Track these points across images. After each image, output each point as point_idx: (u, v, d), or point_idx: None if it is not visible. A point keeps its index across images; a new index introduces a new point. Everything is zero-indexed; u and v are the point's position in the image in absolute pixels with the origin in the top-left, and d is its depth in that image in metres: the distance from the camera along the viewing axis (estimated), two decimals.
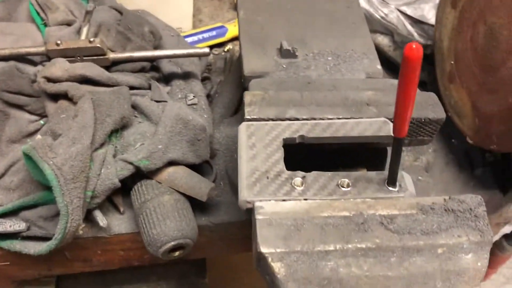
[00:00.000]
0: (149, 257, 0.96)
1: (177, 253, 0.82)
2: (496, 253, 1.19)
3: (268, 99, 0.71)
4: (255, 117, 0.69)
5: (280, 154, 0.65)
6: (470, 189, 1.04)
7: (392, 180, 0.62)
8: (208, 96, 1.06)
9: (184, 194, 0.84)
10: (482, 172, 1.06)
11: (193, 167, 0.88)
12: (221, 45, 1.22)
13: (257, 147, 0.65)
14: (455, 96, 1.00)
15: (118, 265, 0.97)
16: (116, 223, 0.88)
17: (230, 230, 0.93)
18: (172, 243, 0.78)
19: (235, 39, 1.23)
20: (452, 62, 1.01)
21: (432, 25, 1.11)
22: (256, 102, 0.70)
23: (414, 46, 0.47)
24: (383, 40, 1.16)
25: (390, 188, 0.63)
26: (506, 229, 1.33)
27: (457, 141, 1.10)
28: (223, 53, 1.21)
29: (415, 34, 1.09)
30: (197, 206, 0.87)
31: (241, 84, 1.08)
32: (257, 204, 0.59)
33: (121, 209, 0.88)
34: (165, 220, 0.78)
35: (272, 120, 0.69)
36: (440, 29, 1.04)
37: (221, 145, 0.98)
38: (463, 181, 1.06)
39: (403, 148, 1.05)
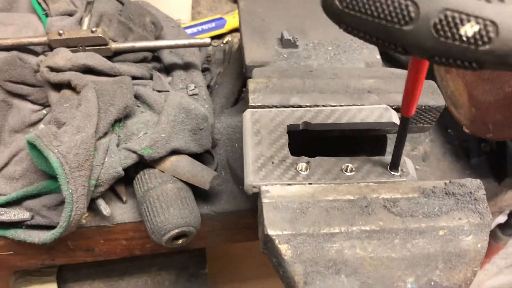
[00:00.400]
0: (151, 246, 0.97)
1: (180, 241, 0.83)
2: (490, 242, 1.21)
3: (271, 87, 0.72)
4: (259, 104, 0.70)
5: (284, 140, 0.66)
6: (466, 177, 1.06)
7: (395, 165, 0.63)
8: (208, 87, 1.07)
9: (187, 182, 0.85)
10: (478, 162, 1.08)
11: (195, 156, 0.89)
12: (220, 36, 1.23)
13: (261, 133, 0.66)
14: (451, 86, 1.02)
15: (120, 255, 0.98)
16: (118, 212, 0.89)
17: (232, 219, 0.95)
18: (176, 230, 0.79)
19: (234, 30, 1.24)
20: None
21: None
22: (260, 89, 0.72)
23: None
24: None
25: (393, 173, 0.64)
26: (500, 219, 1.36)
27: (453, 131, 1.12)
28: (222, 45, 1.22)
29: None
30: (199, 195, 0.88)
31: (241, 75, 1.09)
32: (263, 188, 0.60)
33: (124, 198, 0.89)
34: (169, 208, 0.79)
35: (276, 107, 0.70)
36: None
37: (222, 135, 0.99)
38: (459, 170, 1.07)
39: None
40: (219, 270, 1.44)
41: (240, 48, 0.93)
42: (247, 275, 1.49)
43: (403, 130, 0.59)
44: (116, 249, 0.96)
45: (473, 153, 1.09)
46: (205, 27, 1.20)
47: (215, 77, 1.12)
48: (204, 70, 1.09)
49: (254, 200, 0.65)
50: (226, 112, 1.03)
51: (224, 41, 1.22)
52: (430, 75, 1.08)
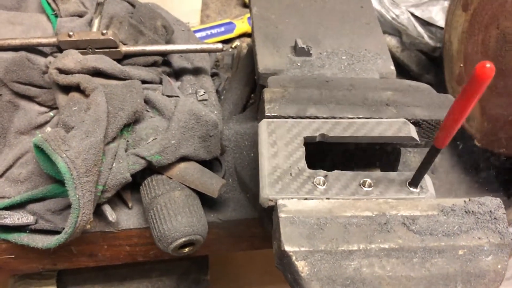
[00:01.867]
0: (155, 253, 0.96)
1: (186, 250, 0.82)
2: None
3: (288, 97, 0.71)
4: (275, 114, 0.68)
5: (301, 152, 0.64)
6: (475, 191, 1.05)
7: (415, 182, 0.62)
8: (217, 92, 1.06)
9: (195, 190, 0.84)
10: (487, 175, 1.07)
11: (203, 163, 0.87)
12: (229, 41, 1.21)
13: (278, 145, 0.65)
14: None
15: (123, 260, 0.96)
16: (124, 218, 0.87)
17: (238, 228, 0.93)
18: (183, 239, 0.78)
19: (243, 35, 1.23)
20: (462, 65, 1.01)
21: (441, 28, 1.11)
22: (276, 99, 0.70)
23: (488, 65, 0.44)
24: (391, 41, 1.17)
25: (412, 189, 0.63)
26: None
27: (463, 144, 1.11)
28: (230, 49, 1.20)
29: (425, 36, 1.10)
30: (205, 202, 0.87)
31: (250, 81, 1.08)
32: (280, 202, 0.59)
33: (130, 204, 0.87)
34: (176, 216, 0.78)
35: (292, 118, 0.68)
36: (449, 32, 1.04)
37: (230, 141, 0.98)
38: (468, 183, 1.06)
39: (410, 150, 1.07)
40: (221, 277, 1.43)
41: (252, 54, 0.91)
42: (249, 282, 1.47)
43: (431, 158, 0.58)
44: (120, 254, 0.94)
45: (483, 167, 1.08)
46: (214, 31, 1.19)
47: (223, 82, 1.11)
48: (213, 75, 1.08)
49: (263, 210, 0.64)
50: (234, 119, 1.02)
51: (233, 46, 1.21)
52: (442, 87, 1.08)
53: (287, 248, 0.55)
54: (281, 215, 0.58)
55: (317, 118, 0.68)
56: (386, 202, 0.60)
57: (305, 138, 0.66)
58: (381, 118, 0.69)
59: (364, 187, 0.62)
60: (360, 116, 0.69)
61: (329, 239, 0.56)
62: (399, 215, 0.59)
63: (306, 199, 0.60)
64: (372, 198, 0.61)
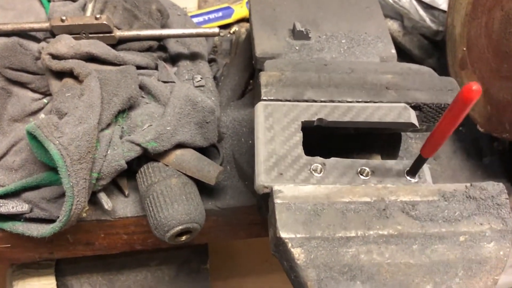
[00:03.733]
0: (153, 241, 0.95)
1: (183, 238, 0.81)
2: None
3: (285, 80, 0.69)
4: (272, 98, 0.67)
5: (298, 137, 0.62)
6: (477, 177, 1.03)
7: (413, 171, 0.61)
8: (214, 78, 1.04)
9: (192, 177, 0.82)
10: (490, 161, 1.05)
11: (200, 150, 0.86)
12: (227, 26, 1.19)
13: (274, 129, 0.63)
14: (466, 83, 0.98)
15: (120, 249, 0.96)
16: (120, 206, 0.86)
17: (236, 215, 0.92)
18: (180, 227, 0.76)
19: (241, 20, 1.20)
20: (464, 49, 0.99)
21: (443, 11, 1.08)
22: (273, 82, 0.68)
23: (475, 87, 0.46)
24: (393, 25, 1.14)
25: (409, 179, 0.61)
26: None
27: (465, 129, 1.09)
28: (228, 35, 1.18)
29: (427, 19, 1.07)
30: (203, 189, 0.86)
31: (248, 67, 1.06)
32: (275, 187, 0.57)
33: (126, 192, 0.86)
34: (173, 204, 0.76)
35: (289, 101, 0.67)
36: (452, 15, 1.02)
37: (228, 128, 0.96)
38: (470, 169, 1.05)
39: (411, 135, 1.05)
40: (220, 265, 1.42)
41: (250, 39, 0.89)
42: (248, 271, 1.47)
43: (419, 164, 0.60)
44: (117, 243, 0.93)
45: (485, 152, 1.06)
46: (211, 16, 1.17)
47: (221, 68, 1.09)
48: (210, 61, 1.06)
49: (260, 197, 0.62)
50: (232, 105, 1.00)
51: (231, 31, 1.18)
52: (445, 72, 1.05)
53: (283, 234, 0.54)
54: (277, 201, 0.56)
55: (315, 101, 0.66)
56: (385, 188, 0.59)
57: (302, 122, 0.64)
58: (381, 102, 0.67)
59: (362, 175, 0.61)
60: (360, 100, 0.67)
61: (326, 226, 0.55)
62: (398, 201, 0.57)
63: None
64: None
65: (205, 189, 0.86)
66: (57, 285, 1.04)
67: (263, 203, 0.72)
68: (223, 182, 0.91)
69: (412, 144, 1.05)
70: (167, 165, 0.82)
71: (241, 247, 1.47)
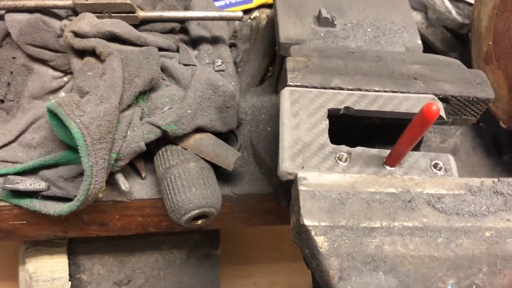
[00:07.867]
0: (166, 224, 0.94)
1: (199, 222, 0.80)
2: None
3: (311, 66, 0.67)
4: (298, 84, 0.66)
5: (324, 125, 0.62)
6: (496, 174, 1.02)
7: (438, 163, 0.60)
8: (234, 63, 1.03)
9: (209, 162, 0.82)
10: (510, 158, 1.03)
11: (218, 135, 0.85)
12: (247, 11, 1.18)
13: (300, 115, 0.62)
14: (490, 78, 0.96)
15: (134, 231, 0.95)
16: (137, 188, 0.86)
17: (251, 202, 0.91)
18: (197, 211, 0.76)
19: (262, 6, 1.18)
20: (490, 43, 0.97)
21: (470, 3, 1.07)
22: (299, 68, 0.67)
23: (434, 108, 0.50)
24: (416, 17, 1.12)
25: (436, 171, 0.60)
26: None
27: (486, 125, 1.07)
28: (249, 20, 1.17)
29: (453, 11, 1.05)
30: (220, 175, 0.85)
31: (268, 53, 1.05)
32: (300, 174, 0.56)
33: (143, 174, 0.86)
34: (190, 187, 0.76)
35: (316, 88, 0.66)
36: (479, 8, 1.00)
37: (246, 114, 0.95)
38: (489, 166, 1.03)
39: (430, 128, 1.04)
40: (230, 251, 1.42)
41: (272, 25, 0.88)
42: (257, 258, 1.47)
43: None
44: (131, 225, 0.93)
45: (505, 149, 1.04)
46: (233, 0, 1.15)
47: (241, 53, 1.08)
48: (230, 46, 1.05)
49: (279, 185, 0.62)
50: (251, 91, 0.99)
51: (252, 17, 1.17)
52: (468, 66, 1.03)
53: (307, 222, 0.53)
54: (301, 188, 0.55)
55: (342, 89, 0.65)
56: (411, 179, 0.58)
57: (329, 110, 0.63)
58: (409, 92, 0.66)
59: (387, 166, 0.60)
60: (387, 89, 0.65)
61: (351, 215, 0.54)
62: (424, 193, 0.56)
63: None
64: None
65: (221, 175, 0.86)
66: (69, 263, 1.05)
67: (281, 191, 0.71)
68: (240, 168, 0.90)
69: (431, 138, 1.04)
70: (185, 149, 0.81)
71: (251, 235, 1.47)
